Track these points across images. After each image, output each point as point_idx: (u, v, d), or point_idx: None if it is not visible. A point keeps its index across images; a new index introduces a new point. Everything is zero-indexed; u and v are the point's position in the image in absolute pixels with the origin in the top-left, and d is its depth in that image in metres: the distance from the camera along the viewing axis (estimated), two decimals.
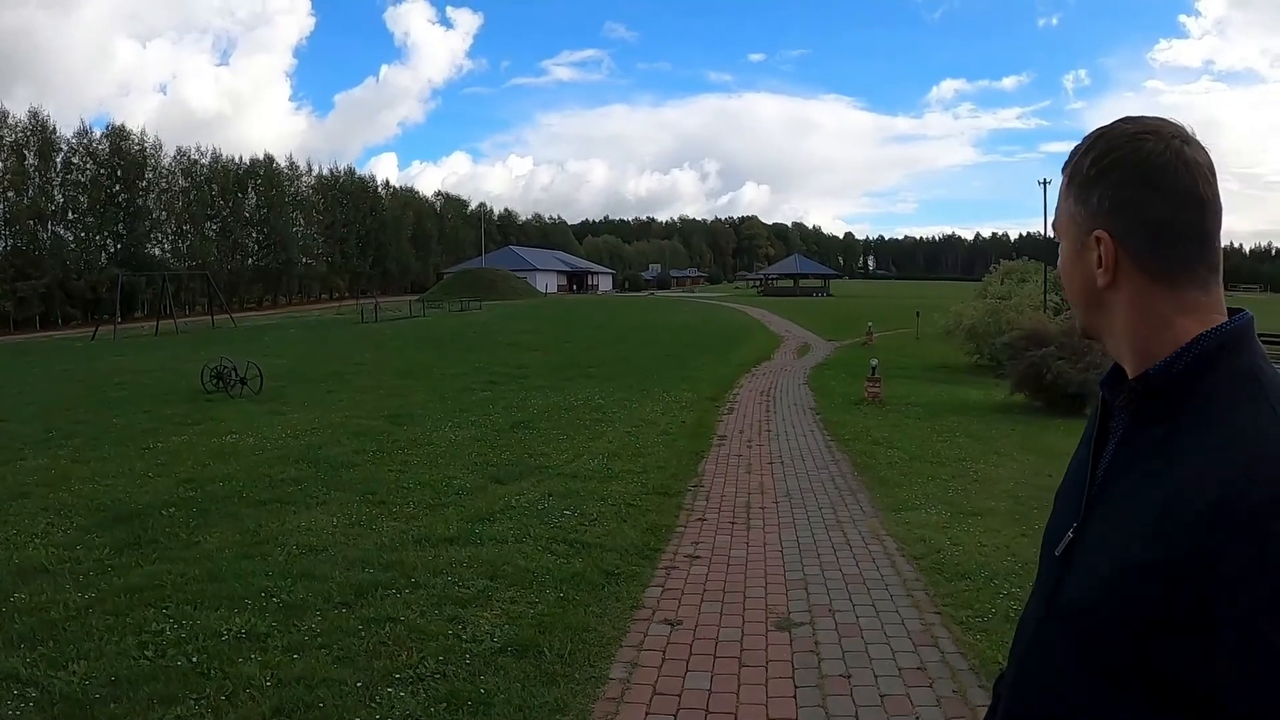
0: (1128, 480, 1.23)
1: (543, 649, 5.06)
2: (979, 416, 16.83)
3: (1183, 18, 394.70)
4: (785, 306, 63.76)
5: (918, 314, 39.18)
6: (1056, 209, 1.37)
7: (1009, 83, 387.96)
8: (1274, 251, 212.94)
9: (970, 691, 4.81)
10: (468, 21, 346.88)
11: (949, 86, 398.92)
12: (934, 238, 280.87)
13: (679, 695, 4.67)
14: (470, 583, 6.09)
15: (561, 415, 14.49)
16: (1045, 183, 37.74)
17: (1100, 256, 1.28)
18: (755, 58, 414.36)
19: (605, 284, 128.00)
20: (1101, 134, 1.32)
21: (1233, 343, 1.25)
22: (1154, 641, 1.08)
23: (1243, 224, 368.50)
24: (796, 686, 4.79)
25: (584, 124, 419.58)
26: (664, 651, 5.21)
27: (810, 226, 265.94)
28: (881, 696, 4.70)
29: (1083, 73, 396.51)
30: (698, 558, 7.06)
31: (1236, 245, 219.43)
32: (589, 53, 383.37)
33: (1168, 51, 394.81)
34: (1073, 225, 1.32)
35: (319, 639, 5.10)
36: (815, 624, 5.71)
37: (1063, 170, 1.35)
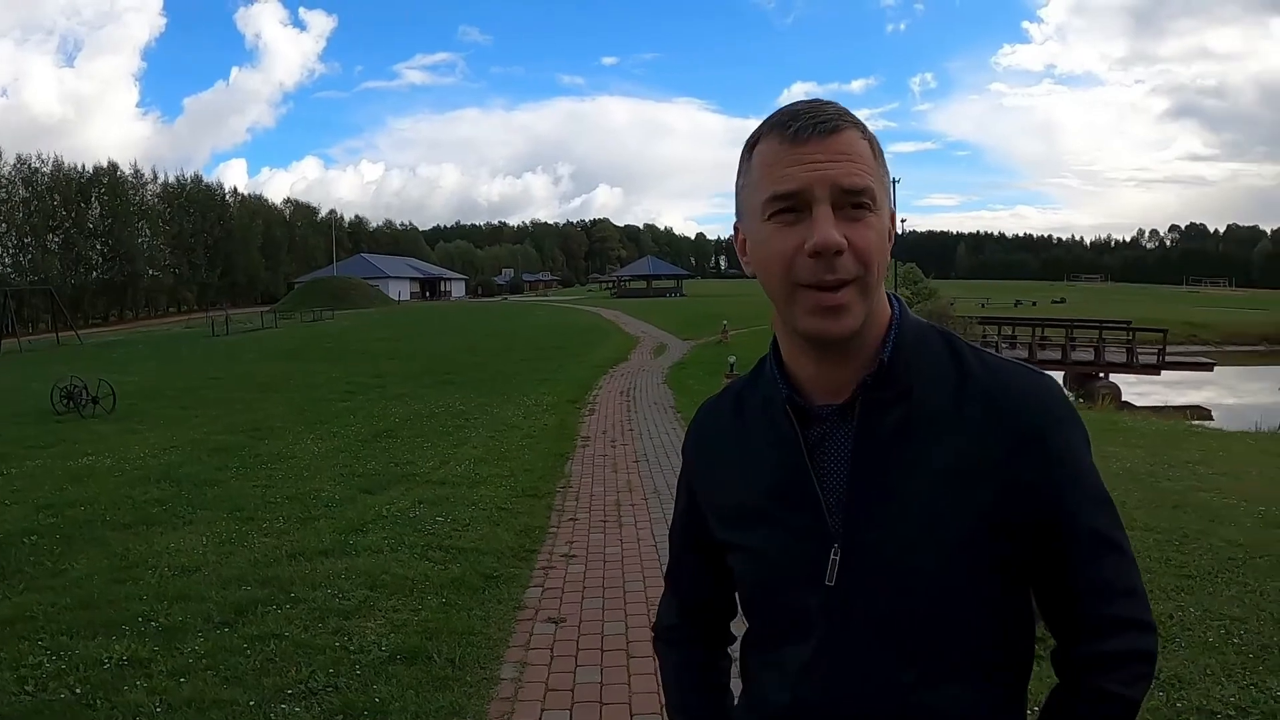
0: (897, 466, 1.28)
1: (431, 655, 5.02)
2: None
3: (1026, 24, 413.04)
4: (639, 308, 64.11)
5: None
6: (855, 168, 1.25)
7: (858, 85, 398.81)
8: (1113, 243, 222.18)
9: None
10: (320, 23, 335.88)
11: (800, 89, 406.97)
12: None
13: (571, 690, 4.69)
14: (350, 594, 5.99)
15: (424, 423, 14.35)
16: (895, 182, 38.75)
17: (890, 233, 1.31)
18: (608, 61, 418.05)
19: (458, 290, 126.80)
20: (843, 110, 1.29)
21: (903, 308, 1.41)
22: (1001, 547, 1.28)
23: (1083, 218, 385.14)
24: None
25: (436, 128, 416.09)
26: (551, 649, 5.22)
27: (662, 228, 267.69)
28: None
29: (929, 76, 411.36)
30: (574, 557, 7.09)
31: (1078, 238, 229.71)
32: (442, 56, 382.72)
33: (1011, 56, 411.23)
34: (885, 199, 1.30)
35: (204, 661, 4.94)
36: None
37: (851, 125, 1.27)
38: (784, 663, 1.36)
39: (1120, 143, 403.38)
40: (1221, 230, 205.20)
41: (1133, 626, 1.29)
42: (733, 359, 19.27)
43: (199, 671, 4.82)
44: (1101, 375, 32.93)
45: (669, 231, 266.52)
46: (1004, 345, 33.65)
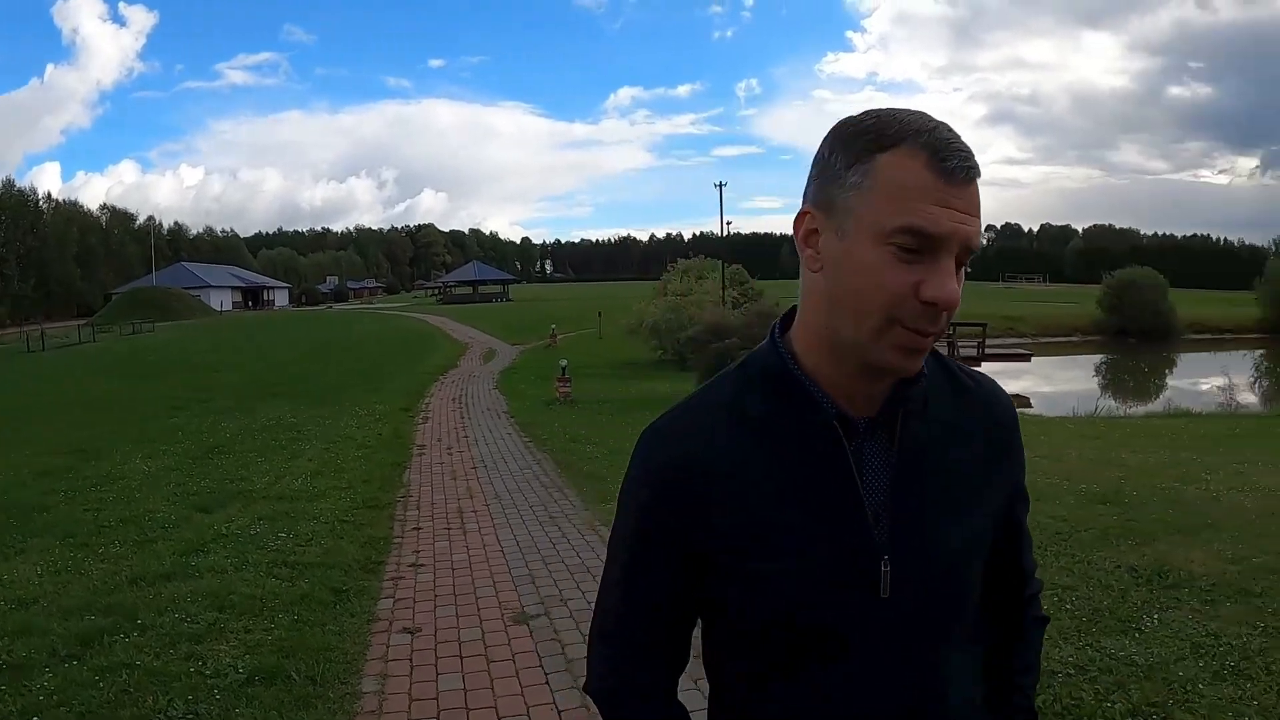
0: (927, 475, 1.34)
1: (290, 673, 4.95)
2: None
3: (850, 33, 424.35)
4: (466, 314, 63.72)
5: (599, 314, 40.07)
6: (979, 226, 1.23)
7: (684, 90, 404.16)
8: None
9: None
10: (141, 19, 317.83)
11: (626, 94, 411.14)
12: (610, 240, 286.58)
13: (435, 699, 4.71)
14: (199, 617, 5.83)
15: (256, 437, 14.02)
16: (721, 185, 39.15)
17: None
18: (435, 64, 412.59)
19: (281, 299, 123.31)
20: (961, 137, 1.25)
21: None
22: (994, 535, 1.46)
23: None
24: (547, 673, 4.97)
25: (258, 131, 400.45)
26: (410, 659, 5.22)
27: (488, 233, 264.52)
28: None
29: (754, 82, 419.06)
30: (422, 566, 7.08)
31: None
32: (265, 56, 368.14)
33: (835, 64, 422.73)
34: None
35: (55, 697, 4.71)
36: (551, 615, 5.90)
37: (975, 177, 1.22)
38: (812, 686, 1.34)
39: None
40: (1035, 229, 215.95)
41: (1034, 570, 1.61)
42: (564, 363, 19.40)
43: (50, 709, 4.60)
44: None
45: (495, 236, 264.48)
46: None
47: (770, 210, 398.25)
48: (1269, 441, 14.05)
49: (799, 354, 1.35)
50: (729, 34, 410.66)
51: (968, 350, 35.44)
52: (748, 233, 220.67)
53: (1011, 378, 35.24)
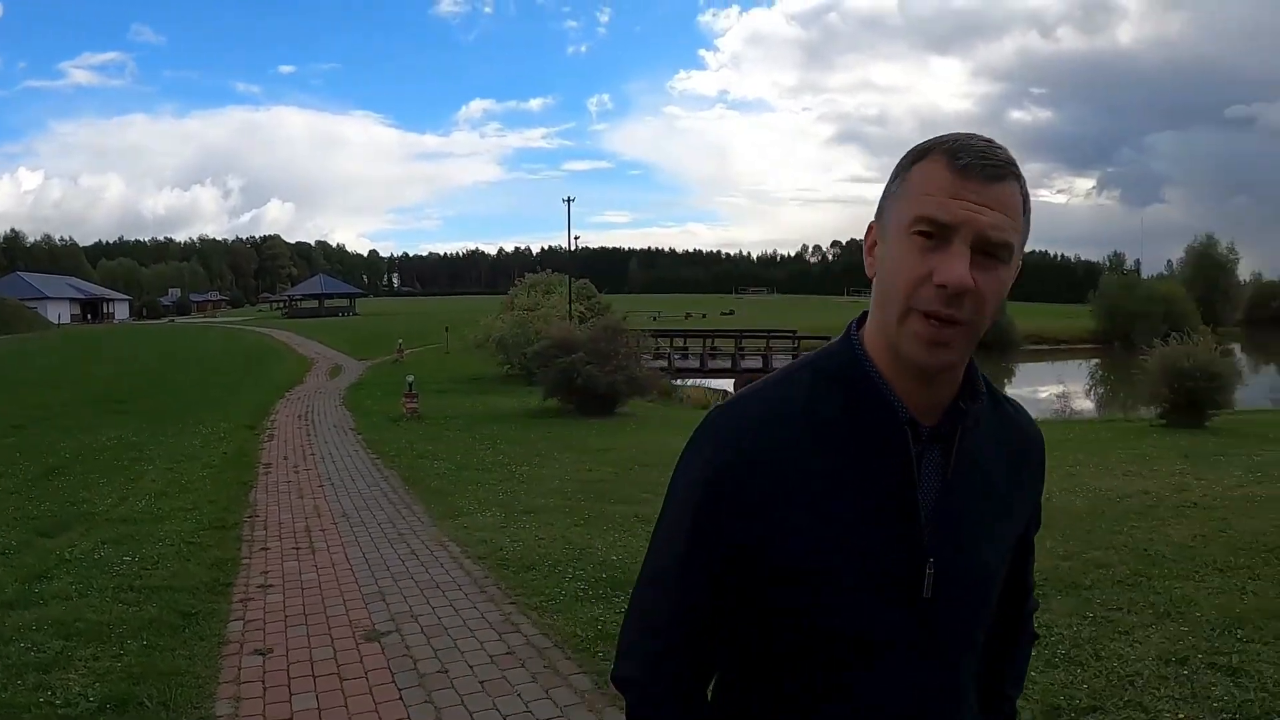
0: (971, 489, 1.44)
1: (142, 700, 4.89)
2: (517, 423, 17.65)
3: (703, 51, 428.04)
4: (312, 328, 62.51)
5: (446, 329, 39.77)
6: (1005, 222, 1.31)
7: (536, 104, 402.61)
8: (779, 258, 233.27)
9: (560, 664, 5.40)
10: None
11: (478, 106, 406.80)
12: (458, 254, 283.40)
13: (290, 719, 4.76)
14: (45, 645, 5.67)
15: (97, 456, 13.56)
16: (569, 200, 39.22)
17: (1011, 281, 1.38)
18: (286, 70, 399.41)
19: (122, 311, 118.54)
20: (1011, 159, 1.35)
21: None
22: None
23: (752, 234, 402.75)
24: (400, 689, 5.03)
25: (102, 134, 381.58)
26: (263, 681, 5.21)
27: (334, 245, 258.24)
28: (481, 683, 5.11)
29: (606, 97, 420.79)
30: (271, 586, 7.03)
31: (747, 253, 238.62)
32: (112, 55, 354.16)
33: (687, 81, 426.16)
34: (1020, 247, 1.37)
35: None
36: (402, 631, 5.96)
37: (1013, 176, 1.34)
38: (851, 690, 1.40)
39: (788, 164, 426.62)
40: None
41: (1033, 588, 1.76)
42: (410, 378, 19.24)
43: None
44: None
45: (342, 249, 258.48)
46: (676, 356, 35.02)
47: (619, 225, 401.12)
48: (1099, 446, 14.92)
49: (870, 354, 1.42)
50: (583, 49, 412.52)
51: None
52: (596, 247, 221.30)
53: None
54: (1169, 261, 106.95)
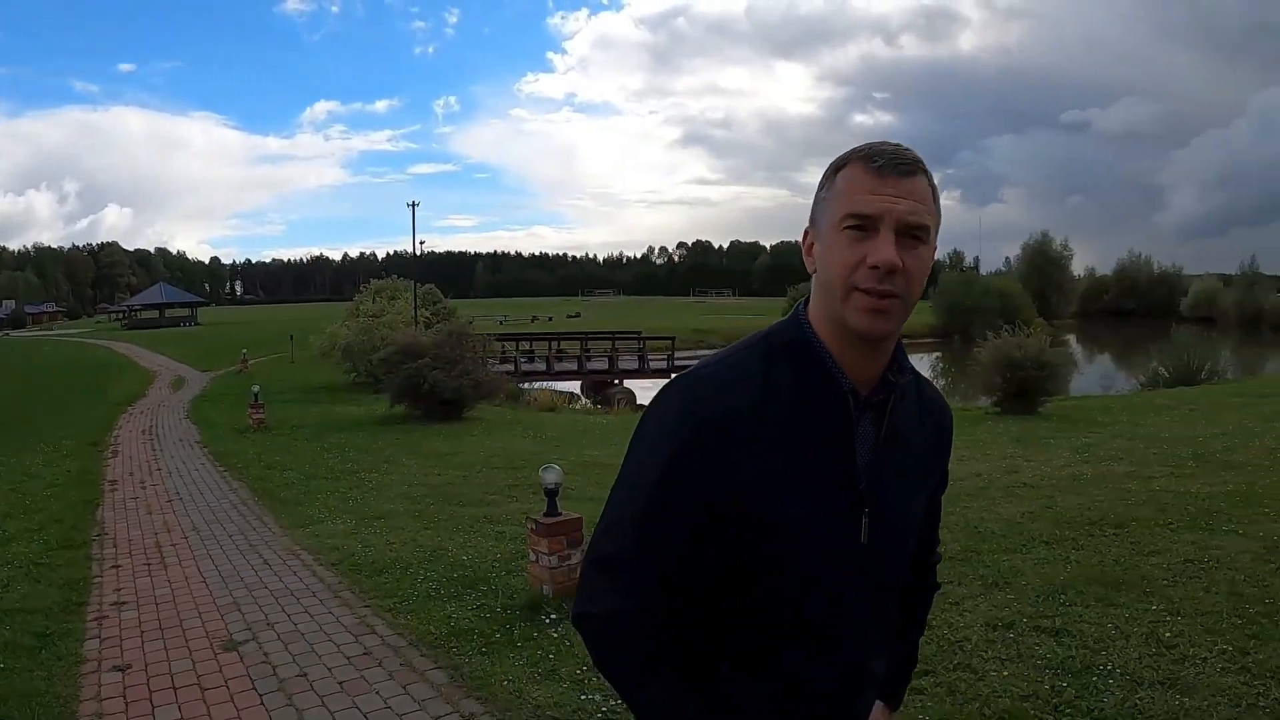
0: (898, 451, 1.67)
1: None
2: (364, 430, 17.63)
3: (551, 54, 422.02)
4: (154, 339, 60.36)
5: (291, 337, 39.00)
6: (920, 208, 1.54)
7: (382, 106, 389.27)
8: (625, 260, 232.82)
9: (416, 661, 5.58)
10: None
11: (323, 108, 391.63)
12: (302, 259, 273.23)
13: None
14: None
15: None
16: (414, 205, 38.83)
17: (931, 260, 1.62)
18: (125, 68, 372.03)
19: None
20: (919, 158, 1.58)
21: None
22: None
23: (599, 237, 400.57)
24: (261, 695, 5.13)
25: None
26: (124, 696, 5.23)
27: (175, 252, 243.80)
28: (340, 684, 5.25)
29: (453, 99, 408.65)
30: (125, 603, 6.99)
31: (593, 255, 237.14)
32: None
33: (534, 84, 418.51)
34: (935, 229, 1.60)
35: None
36: (259, 640, 6.04)
37: (921, 172, 1.57)
38: (808, 631, 1.64)
39: (634, 167, 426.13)
40: (725, 246, 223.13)
41: (938, 543, 2.05)
42: (256, 388, 18.99)
43: None
44: (616, 382, 35.02)
45: (182, 256, 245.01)
46: (522, 360, 35.08)
47: (465, 228, 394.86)
48: None
49: (816, 332, 1.63)
50: (430, 50, 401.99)
51: (658, 363, 36.48)
52: (442, 251, 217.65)
53: None
54: (1007, 258, 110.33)
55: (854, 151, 1.59)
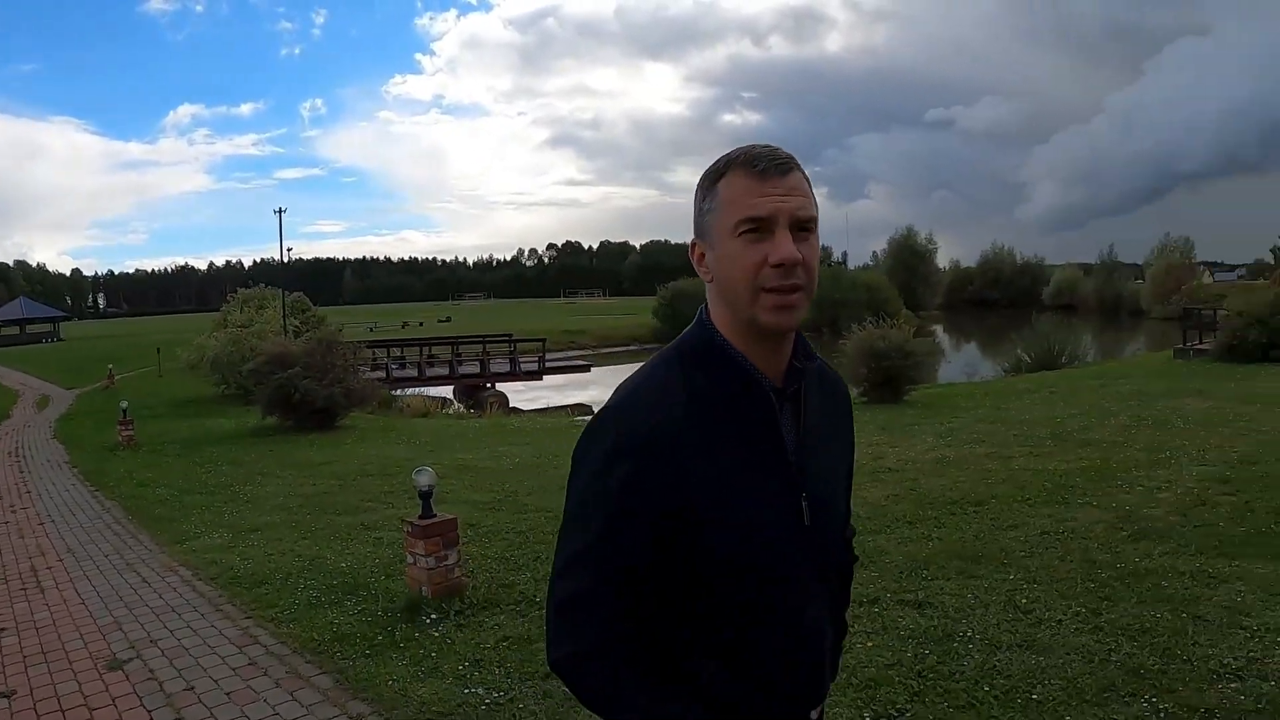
0: (817, 433, 1.74)
1: None
2: (237, 443, 17.42)
3: (419, 55, 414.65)
4: (14, 356, 57.72)
5: (158, 350, 37.99)
6: (806, 202, 1.61)
7: (247, 109, 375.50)
8: (495, 262, 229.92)
9: (301, 668, 5.70)
10: None
11: (186, 111, 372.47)
12: (167, 269, 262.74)
13: None
14: None
15: None
16: (281, 211, 38.07)
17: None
18: None
19: None
20: (791, 155, 1.62)
21: None
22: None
23: (467, 240, 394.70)
24: (149, 711, 5.19)
25: None
26: None
27: (35, 264, 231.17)
28: (227, 694, 5.34)
29: (319, 102, 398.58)
30: (4, 629, 6.89)
31: (462, 259, 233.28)
32: None
33: (402, 85, 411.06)
34: (818, 220, 1.64)
35: None
36: (144, 657, 6.06)
37: (797, 167, 1.62)
38: (774, 617, 1.68)
39: (503, 169, 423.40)
40: (595, 247, 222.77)
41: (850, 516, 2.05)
42: (124, 404, 18.47)
43: None
44: (489, 385, 34.81)
45: (43, 268, 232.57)
46: (394, 366, 34.77)
47: (333, 234, 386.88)
48: None
49: (733, 342, 1.66)
50: (297, 51, 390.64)
51: (529, 366, 36.39)
52: (310, 258, 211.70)
53: (577, 388, 36.77)
54: (874, 253, 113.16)
55: (729, 159, 1.63)
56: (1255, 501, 8.19)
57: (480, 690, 5.16)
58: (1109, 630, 5.47)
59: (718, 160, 1.65)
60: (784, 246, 1.55)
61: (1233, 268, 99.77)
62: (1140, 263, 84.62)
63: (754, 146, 1.62)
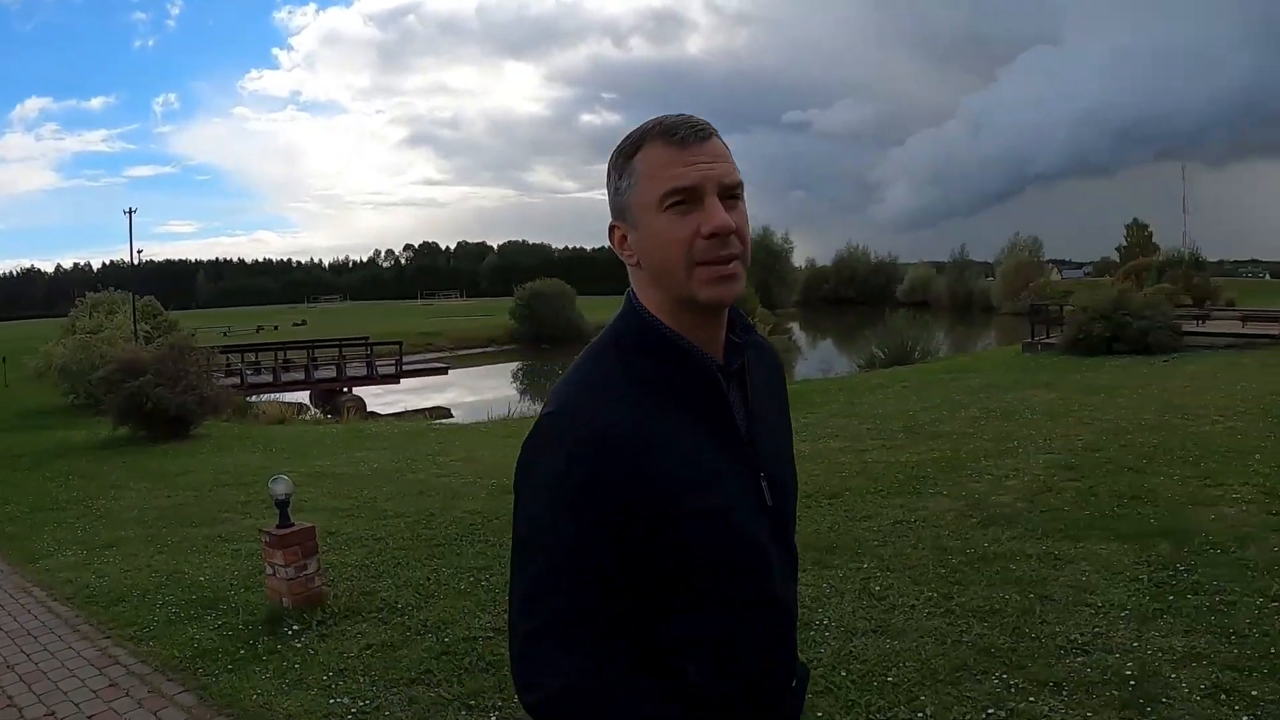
0: (764, 410, 1.70)
1: None
2: (89, 455, 16.85)
3: (276, 50, 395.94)
4: None
5: (3, 359, 36.43)
6: (730, 167, 1.55)
7: (98, 103, 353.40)
8: (351, 264, 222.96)
9: (163, 686, 5.63)
10: None
11: (34, 105, 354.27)
12: (12, 273, 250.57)
13: None
14: None
15: None
16: (131, 211, 36.75)
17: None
18: None
19: None
20: (708, 122, 1.56)
21: None
22: None
23: (323, 240, 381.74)
24: None
25: None
26: None
27: None
28: (89, 717, 5.25)
29: (173, 96, 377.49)
30: None
31: (318, 260, 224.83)
32: None
33: (258, 81, 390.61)
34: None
35: None
36: (1, 683, 5.90)
37: (714, 133, 1.56)
38: (750, 600, 1.63)
39: (359, 168, 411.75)
40: (453, 247, 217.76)
41: None
42: None
43: None
44: (346, 390, 34.29)
45: None
46: (249, 372, 33.96)
47: (185, 235, 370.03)
48: None
49: (668, 322, 1.59)
50: (150, 43, 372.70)
51: (386, 369, 36.05)
52: (162, 260, 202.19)
53: (435, 391, 36.59)
54: None
55: (643, 131, 1.56)
56: (1098, 486, 8.69)
57: (346, 700, 5.20)
58: (960, 613, 5.78)
59: (629, 135, 1.58)
60: (716, 215, 1.50)
61: (1079, 265, 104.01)
62: (991, 261, 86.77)
63: (666, 117, 1.56)
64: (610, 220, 1.62)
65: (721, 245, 1.50)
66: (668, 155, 1.51)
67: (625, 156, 1.56)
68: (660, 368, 1.56)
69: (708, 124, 1.55)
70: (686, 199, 1.50)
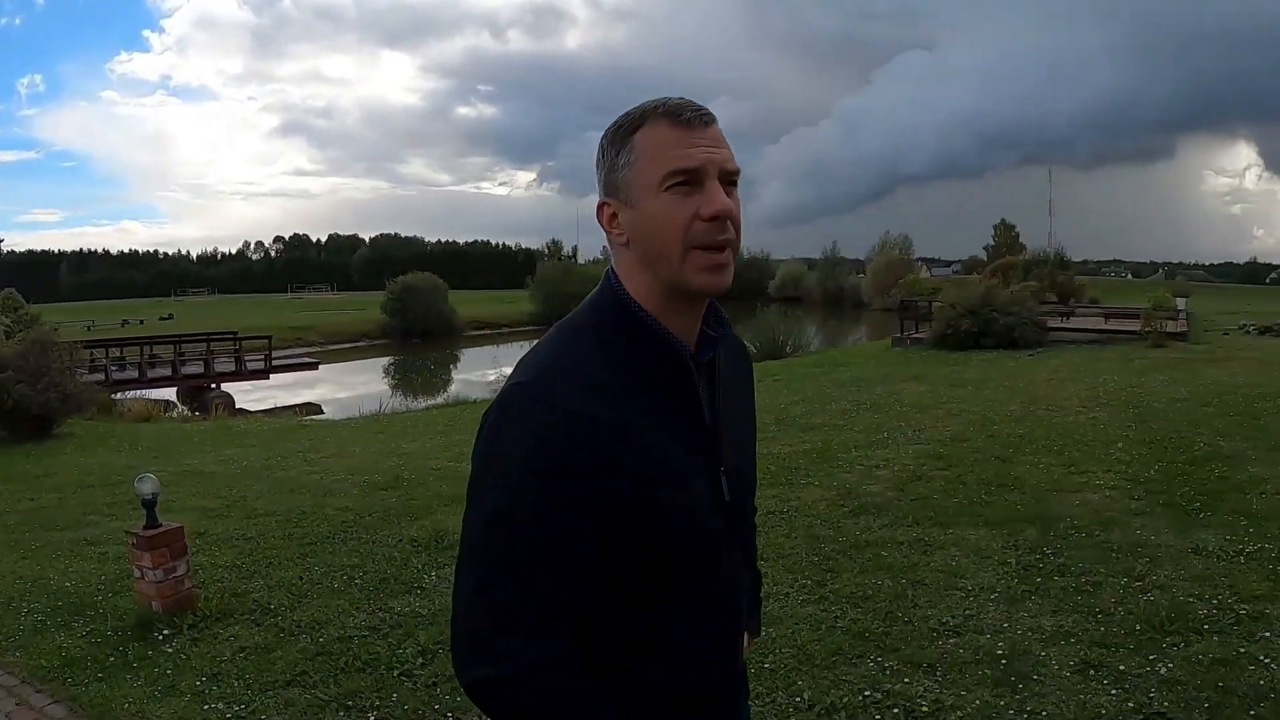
0: (728, 409, 1.67)
1: None
2: None
3: (147, 32, 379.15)
4: None
5: None
6: (731, 155, 1.53)
7: None
8: (220, 256, 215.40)
9: (32, 698, 5.40)
10: None
11: None
12: None
13: None
14: None
15: None
16: None
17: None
18: None
19: None
20: (708, 108, 1.54)
21: None
22: None
23: (192, 231, 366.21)
24: None
25: None
26: None
27: None
28: None
29: (39, 78, 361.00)
30: None
31: (186, 252, 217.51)
32: None
33: (128, 64, 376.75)
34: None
35: None
36: None
37: (714, 119, 1.53)
38: (706, 593, 1.62)
39: (230, 157, 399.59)
40: (324, 240, 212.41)
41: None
42: None
43: None
44: (214, 386, 33.48)
45: None
46: (114, 368, 32.87)
47: (49, 224, 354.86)
48: None
49: (649, 307, 1.55)
50: (17, 21, 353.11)
51: (255, 364, 35.25)
52: (23, 250, 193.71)
53: (305, 387, 35.88)
54: (603, 247, 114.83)
55: (644, 110, 1.53)
56: (966, 475, 8.98)
57: (220, 705, 5.05)
58: (834, 599, 5.89)
59: (629, 113, 1.54)
60: (718, 198, 1.47)
61: (949, 263, 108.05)
62: (862, 258, 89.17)
63: (670, 98, 1.53)
64: (600, 198, 1.58)
65: (720, 230, 1.48)
66: (673, 135, 1.49)
67: (625, 133, 1.53)
68: (635, 351, 1.52)
69: (709, 111, 1.53)
70: (689, 180, 1.47)
